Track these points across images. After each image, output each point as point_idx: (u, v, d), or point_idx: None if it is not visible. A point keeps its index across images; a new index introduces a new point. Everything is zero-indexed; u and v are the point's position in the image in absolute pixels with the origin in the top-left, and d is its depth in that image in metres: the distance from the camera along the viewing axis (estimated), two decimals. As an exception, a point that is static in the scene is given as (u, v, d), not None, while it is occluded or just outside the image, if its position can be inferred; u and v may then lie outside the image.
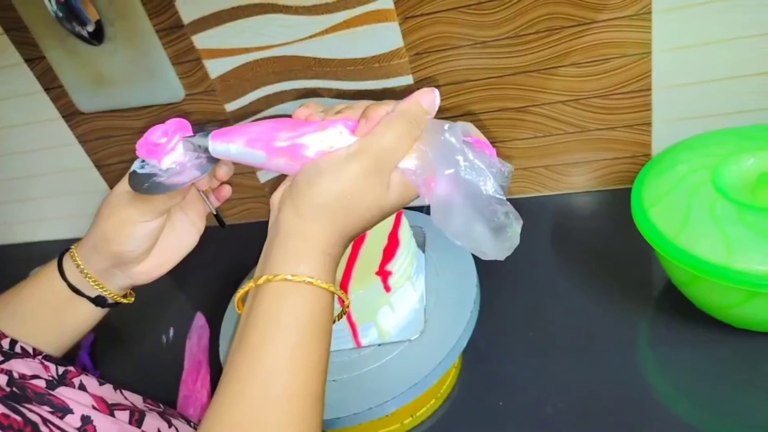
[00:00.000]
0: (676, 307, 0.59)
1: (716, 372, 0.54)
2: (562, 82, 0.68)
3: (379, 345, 0.55)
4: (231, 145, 0.42)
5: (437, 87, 0.70)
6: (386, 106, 0.40)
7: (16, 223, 1.04)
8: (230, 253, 0.86)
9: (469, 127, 0.40)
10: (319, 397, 0.37)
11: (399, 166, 0.40)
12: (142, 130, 0.88)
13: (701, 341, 0.56)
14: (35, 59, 0.80)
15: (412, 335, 0.54)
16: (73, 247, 0.50)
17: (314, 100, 0.75)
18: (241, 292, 0.39)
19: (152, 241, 0.49)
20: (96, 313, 0.52)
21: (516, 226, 0.38)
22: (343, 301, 0.42)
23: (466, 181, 0.37)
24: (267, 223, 0.97)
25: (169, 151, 0.44)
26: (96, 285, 0.50)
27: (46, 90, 0.83)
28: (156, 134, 0.44)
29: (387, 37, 0.68)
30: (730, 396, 0.52)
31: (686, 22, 0.61)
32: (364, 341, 0.54)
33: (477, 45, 0.67)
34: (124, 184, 0.47)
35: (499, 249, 0.39)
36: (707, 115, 0.67)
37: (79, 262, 0.49)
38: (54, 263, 0.50)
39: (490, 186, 0.37)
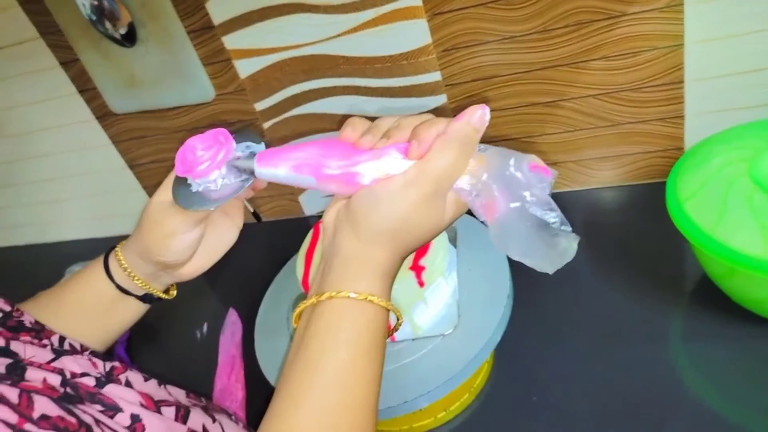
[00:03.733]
0: (712, 301, 0.58)
1: (753, 368, 0.53)
2: (592, 75, 0.67)
3: (413, 340, 0.55)
4: (278, 170, 0.42)
5: (465, 84, 0.71)
6: (436, 126, 0.40)
7: (49, 222, 1.06)
8: (261, 249, 0.87)
9: (533, 158, 0.41)
10: (374, 409, 0.38)
11: (453, 186, 0.41)
12: (174, 131, 0.90)
13: (738, 336, 0.55)
14: (70, 62, 0.82)
15: (445, 330, 0.54)
16: (118, 249, 0.52)
17: (350, 97, 0.75)
18: (301, 307, 0.41)
19: (195, 248, 0.50)
20: (141, 309, 0.54)
21: (573, 242, 0.39)
22: (398, 318, 0.44)
23: (530, 214, 0.39)
24: (296, 220, 0.98)
25: (212, 169, 0.43)
26: (143, 285, 0.52)
27: (80, 92, 0.85)
28: (195, 149, 0.44)
29: (415, 34, 0.68)
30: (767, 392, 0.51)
31: (719, 13, 0.60)
32: (398, 336, 0.55)
33: (505, 40, 0.67)
34: (161, 194, 0.48)
35: (553, 263, 0.39)
36: (741, 108, 0.66)
37: (126, 266, 0.51)
38: (99, 265, 0.52)
39: (552, 217, 0.39)
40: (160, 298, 0.54)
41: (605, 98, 0.69)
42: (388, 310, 0.40)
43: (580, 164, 0.75)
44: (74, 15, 0.75)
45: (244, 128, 0.48)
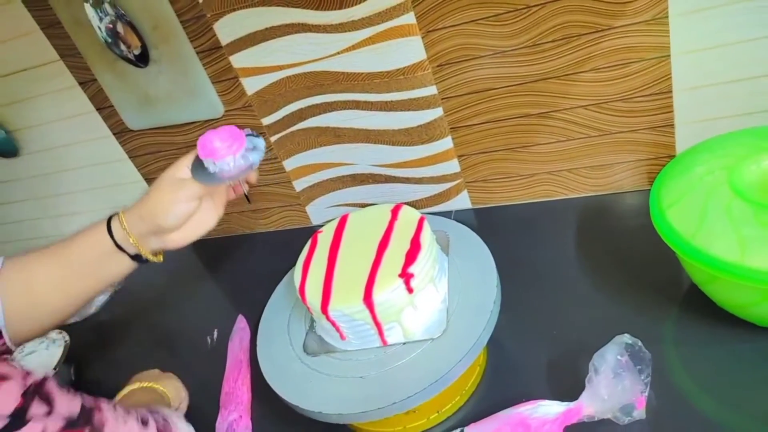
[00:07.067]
0: (700, 306, 0.59)
1: (740, 370, 0.54)
2: (582, 87, 0.69)
3: (404, 344, 0.57)
4: None
5: (460, 97, 0.73)
6: None
7: (71, 233, 1.11)
8: (268, 259, 0.90)
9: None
10: None
11: None
12: (187, 145, 0.94)
13: (725, 340, 0.57)
14: (88, 82, 0.87)
15: (435, 334, 0.57)
16: (121, 212, 0.61)
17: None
18: None
19: (188, 217, 0.61)
20: (130, 266, 0.63)
21: None
22: None
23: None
24: (304, 229, 1.01)
25: (228, 155, 0.57)
26: (136, 245, 0.61)
27: (98, 110, 0.90)
28: (214, 140, 0.57)
29: (411, 51, 0.71)
30: (754, 394, 0.52)
31: (704, 24, 0.62)
32: (389, 340, 0.57)
33: (497, 54, 0.69)
34: (174, 170, 0.60)
35: None
36: (730, 116, 0.67)
37: (126, 226, 0.60)
38: (103, 224, 0.61)
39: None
40: (147, 260, 0.63)
41: (596, 108, 0.71)
42: None
43: (574, 172, 0.77)
44: (91, 38, 0.80)
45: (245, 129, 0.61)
